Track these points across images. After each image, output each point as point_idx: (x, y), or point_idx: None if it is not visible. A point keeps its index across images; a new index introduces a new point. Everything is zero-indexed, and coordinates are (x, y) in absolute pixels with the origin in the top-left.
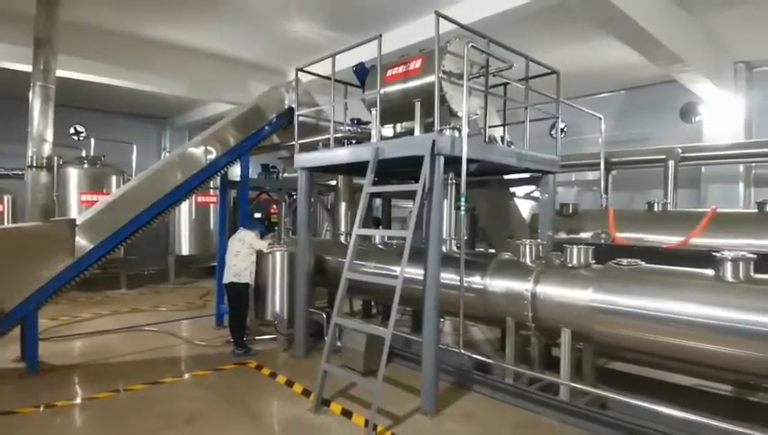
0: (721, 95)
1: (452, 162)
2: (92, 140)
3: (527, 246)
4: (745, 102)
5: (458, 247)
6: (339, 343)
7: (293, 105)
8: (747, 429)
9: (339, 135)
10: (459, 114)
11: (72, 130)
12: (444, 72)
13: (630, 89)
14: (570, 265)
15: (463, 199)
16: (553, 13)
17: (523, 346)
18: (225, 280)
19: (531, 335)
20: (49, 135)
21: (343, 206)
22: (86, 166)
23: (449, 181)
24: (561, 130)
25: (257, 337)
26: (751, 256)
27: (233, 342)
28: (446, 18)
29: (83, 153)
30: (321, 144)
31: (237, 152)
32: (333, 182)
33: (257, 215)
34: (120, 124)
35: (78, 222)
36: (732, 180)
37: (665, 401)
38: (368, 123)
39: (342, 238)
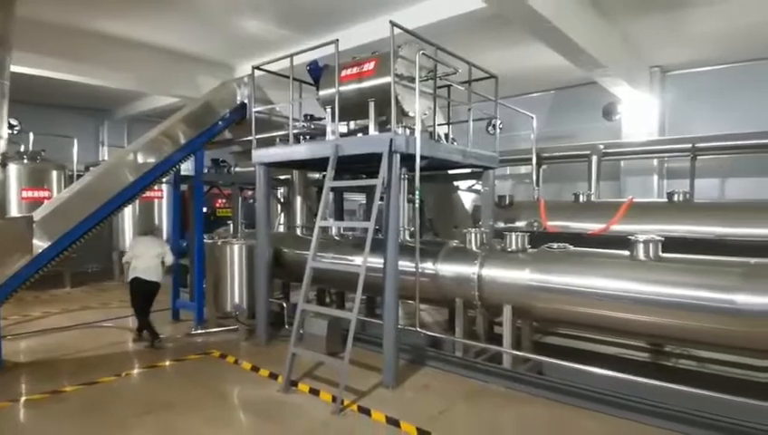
0: (638, 96)
1: (405, 159)
2: (31, 135)
3: (473, 234)
4: (659, 103)
5: (412, 237)
6: (301, 331)
7: (246, 101)
8: (661, 382)
9: (295, 131)
10: (410, 114)
11: None
12: (396, 75)
13: (558, 89)
14: (509, 250)
15: (417, 193)
16: (493, 20)
17: (469, 326)
18: (149, 277)
19: (477, 314)
20: (4, 132)
21: (299, 199)
22: (26, 161)
23: (402, 176)
24: (495, 127)
25: (217, 329)
26: (659, 238)
27: (149, 333)
28: (399, 27)
29: (21, 148)
30: (278, 140)
31: (192, 148)
32: (283, 176)
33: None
34: (55, 117)
35: (35, 219)
36: (647, 173)
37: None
38: (320, 119)
39: (298, 231)
